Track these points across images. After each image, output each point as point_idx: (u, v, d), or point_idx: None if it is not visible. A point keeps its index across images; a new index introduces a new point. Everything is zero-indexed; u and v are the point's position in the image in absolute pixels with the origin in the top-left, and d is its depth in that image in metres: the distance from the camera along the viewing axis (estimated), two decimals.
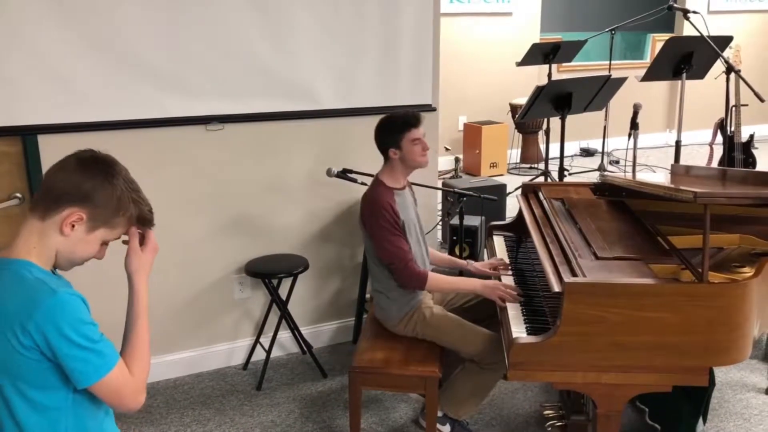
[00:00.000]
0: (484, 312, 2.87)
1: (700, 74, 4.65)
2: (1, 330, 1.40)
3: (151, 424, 3.07)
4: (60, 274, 1.58)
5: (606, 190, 3.13)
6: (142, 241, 1.60)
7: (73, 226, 1.46)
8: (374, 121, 3.60)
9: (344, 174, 3.41)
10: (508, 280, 2.84)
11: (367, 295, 3.68)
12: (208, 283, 3.47)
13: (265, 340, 3.51)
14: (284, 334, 3.62)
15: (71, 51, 2.93)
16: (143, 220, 1.56)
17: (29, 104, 2.90)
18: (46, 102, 2.92)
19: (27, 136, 2.92)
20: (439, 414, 2.80)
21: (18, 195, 2.95)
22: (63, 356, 1.39)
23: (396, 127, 2.77)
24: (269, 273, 3.36)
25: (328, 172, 3.40)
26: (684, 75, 4.46)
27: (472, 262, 3.10)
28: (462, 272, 3.22)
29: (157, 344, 3.19)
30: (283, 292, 3.46)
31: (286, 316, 3.49)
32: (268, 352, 3.44)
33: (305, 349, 3.62)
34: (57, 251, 1.48)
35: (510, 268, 2.93)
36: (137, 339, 1.53)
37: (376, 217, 2.70)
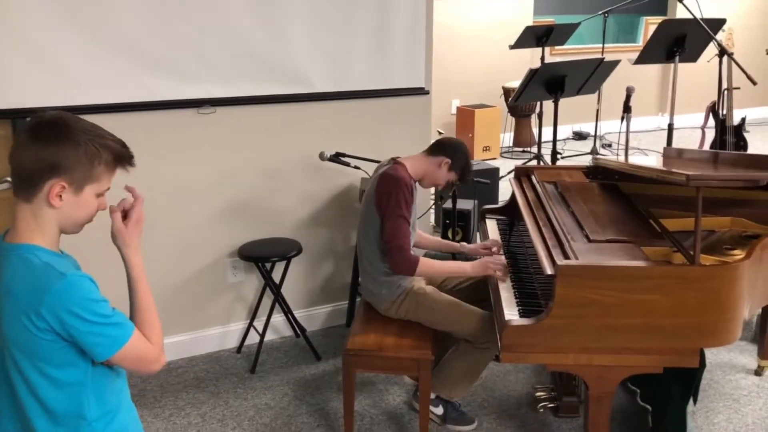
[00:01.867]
0: (477, 294, 2.88)
1: (693, 57, 4.65)
2: (15, 314, 1.41)
3: (146, 407, 3.08)
4: (68, 254, 1.59)
5: (599, 173, 3.14)
6: (126, 215, 1.59)
7: (60, 196, 1.45)
8: (367, 104, 3.62)
9: (337, 157, 3.41)
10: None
11: (361, 279, 3.68)
12: (201, 267, 3.47)
13: (259, 324, 3.52)
14: (278, 318, 3.63)
15: (62, 34, 2.90)
16: (121, 159, 1.52)
17: (20, 87, 2.87)
18: (36, 85, 2.89)
19: (17, 119, 2.90)
20: (432, 396, 2.83)
21: (8, 179, 2.93)
22: (80, 335, 1.42)
23: (461, 167, 2.85)
24: (263, 257, 3.37)
25: (321, 156, 3.40)
26: (677, 58, 4.46)
27: (465, 244, 3.11)
28: (455, 255, 3.24)
29: None
30: (276, 275, 3.46)
31: (279, 300, 3.50)
32: (262, 335, 3.45)
33: (299, 332, 3.64)
34: (58, 223, 1.49)
35: (503, 252, 2.94)
36: (143, 306, 1.57)
37: (395, 193, 2.67)
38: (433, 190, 4.08)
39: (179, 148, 3.28)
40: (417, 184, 2.83)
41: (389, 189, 2.69)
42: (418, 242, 3.09)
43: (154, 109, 3.16)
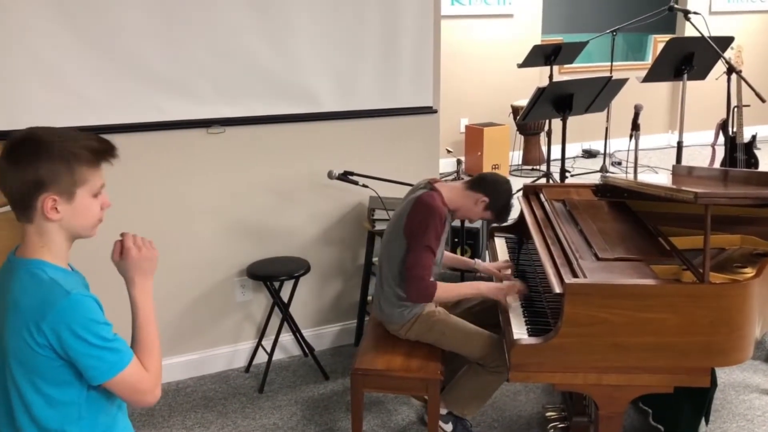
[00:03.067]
0: (488, 319, 2.85)
1: (702, 75, 4.65)
2: (18, 328, 1.42)
3: (154, 427, 3.07)
4: (78, 271, 1.60)
5: (607, 191, 3.13)
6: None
7: (55, 209, 1.45)
8: (375, 123, 3.63)
9: (345, 176, 3.42)
10: None
11: (369, 297, 3.68)
12: (210, 286, 3.47)
13: (267, 343, 3.51)
14: (286, 337, 3.62)
15: (72, 55, 2.94)
16: (100, 153, 1.49)
17: (30, 108, 2.91)
18: (47, 106, 2.93)
19: None
20: (444, 412, 2.81)
21: None
22: (77, 355, 1.42)
23: (499, 210, 2.74)
24: (271, 276, 3.37)
25: (330, 175, 3.41)
26: (685, 76, 4.46)
27: (479, 261, 3.09)
28: (466, 272, 3.22)
29: None
30: (284, 294, 3.46)
31: (288, 319, 3.49)
32: (270, 354, 3.45)
33: (307, 351, 3.63)
34: (64, 234, 1.49)
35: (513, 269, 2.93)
36: (144, 336, 1.55)
37: (428, 223, 2.59)
38: None
39: (189, 167, 3.30)
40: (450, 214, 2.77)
41: (423, 217, 2.61)
42: None
43: (164, 129, 3.19)
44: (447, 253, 3.16)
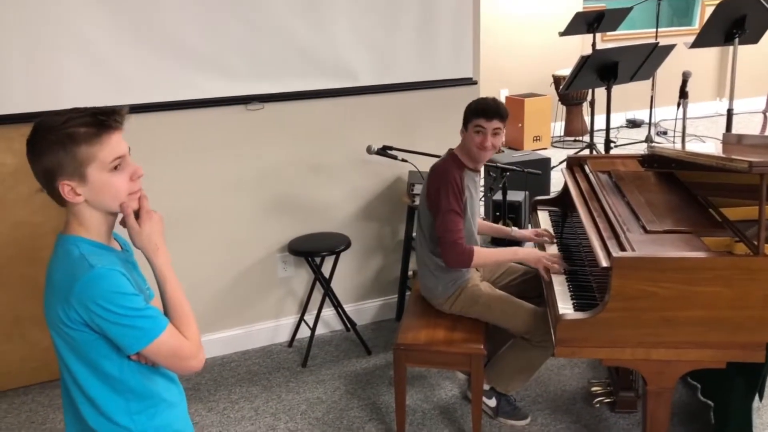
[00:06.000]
0: (533, 290, 2.82)
1: (755, 39, 4.47)
2: (54, 304, 1.45)
3: (200, 401, 3.13)
4: (126, 249, 1.61)
5: (654, 161, 3.04)
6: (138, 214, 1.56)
7: (73, 191, 1.45)
8: (414, 96, 3.59)
9: (384, 151, 3.39)
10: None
11: (410, 272, 3.66)
12: (252, 263, 3.50)
13: (309, 318, 3.53)
14: (328, 312, 3.64)
15: (112, 35, 2.95)
16: (100, 125, 1.43)
17: (72, 88, 2.94)
18: (88, 86, 2.95)
19: None
20: (486, 387, 2.79)
21: None
22: (107, 326, 1.42)
23: (471, 110, 2.71)
24: (312, 251, 3.37)
25: (368, 149, 3.38)
26: (736, 40, 4.29)
27: (516, 228, 3.05)
28: (504, 240, 3.18)
29: (203, 323, 3.25)
30: (326, 270, 3.47)
31: (329, 294, 3.50)
32: (313, 329, 3.47)
33: (349, 326, 3.64)
34: (96, 212, 1.49)
35: (555, 242, 2.88)
36: (173, 304, 1.54)
37: (442, 188, 2.64)
38: (482, 182, 4.01)
39: (229, 144, 3.31)
40: (469, 168, 2.75)
41: (436, 184, 2.67)
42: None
43: (203, 106, 3.19)
44: (483, 221, 3.12)
